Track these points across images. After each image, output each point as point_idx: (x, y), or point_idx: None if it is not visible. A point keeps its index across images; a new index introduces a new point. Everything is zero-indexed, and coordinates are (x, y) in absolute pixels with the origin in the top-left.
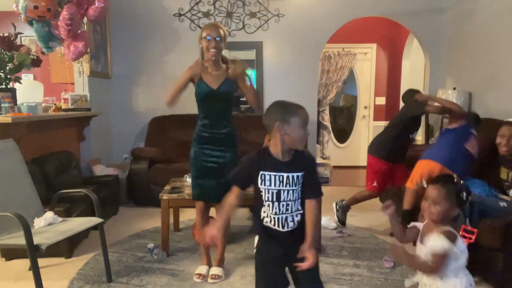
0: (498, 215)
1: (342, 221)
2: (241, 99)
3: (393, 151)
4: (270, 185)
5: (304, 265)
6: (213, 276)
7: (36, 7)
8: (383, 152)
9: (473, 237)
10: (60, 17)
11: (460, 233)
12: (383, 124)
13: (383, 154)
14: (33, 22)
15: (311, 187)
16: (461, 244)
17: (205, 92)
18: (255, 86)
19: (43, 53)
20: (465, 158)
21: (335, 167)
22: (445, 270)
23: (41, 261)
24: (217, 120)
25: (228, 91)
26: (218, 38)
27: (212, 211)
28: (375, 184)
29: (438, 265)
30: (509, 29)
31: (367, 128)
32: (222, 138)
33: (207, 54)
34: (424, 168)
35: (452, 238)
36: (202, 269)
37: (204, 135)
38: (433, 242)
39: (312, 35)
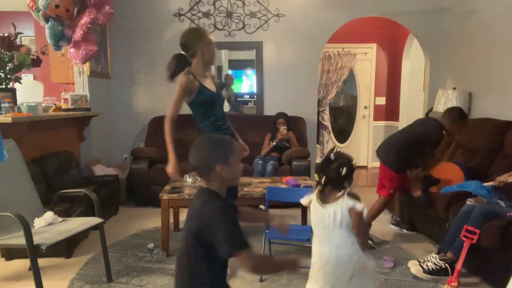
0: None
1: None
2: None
3: (408, 163)
4: None
5: None
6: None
7: (57, 6)
8: (400, 167)
9: (475, 238)
10: (82, 21)
11: (462, 233)
12: (383, 124)
13: (399, 168)
14: (50, 19)
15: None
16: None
17: (213, 98)
18: (254, 87)
19: (43, 53)
20: None
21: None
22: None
23: (41, 261)
24: (224, 119)
25: (222, 94)
26: None
27: None
28: (391, 191)
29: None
30: (509, 29)
31: (367, 128)
32: (231, 134)
33: (210, 59)
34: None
35: None
36: None
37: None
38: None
39: (312, 35)
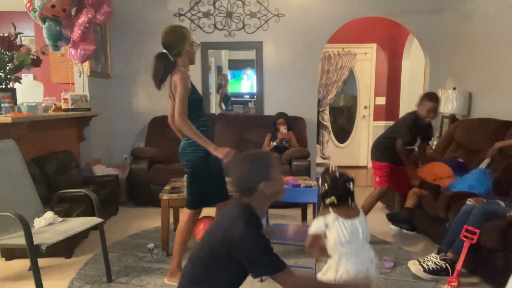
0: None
1: None
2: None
3: (387, 153)
4: None
5: None
6: None
7: (53, 6)
8: (383, 155)
9: (475, 238)
10: (79, 21)
11: (462, 233)
12: (383, 124)
13: (381, 156)
14: (47, 20)
15: None
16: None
17: (200, 97)
18: (254, 87)
19: (43, 53)
20: None
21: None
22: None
23: (41, 261)
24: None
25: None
26: None
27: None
28: (377, 179)
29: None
30: (509, 29)
31: (367, 128)
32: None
33: (192, 60)
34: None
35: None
36: None
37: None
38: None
39: (312, 35)
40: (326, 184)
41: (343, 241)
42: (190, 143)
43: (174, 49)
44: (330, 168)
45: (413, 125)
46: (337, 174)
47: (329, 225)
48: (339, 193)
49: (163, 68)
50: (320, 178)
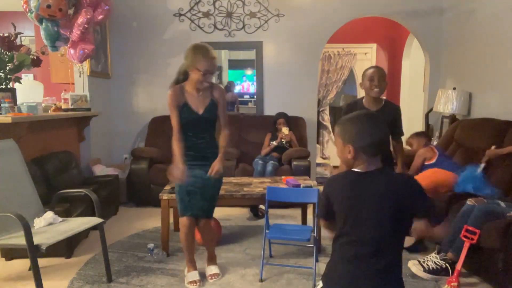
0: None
1: None
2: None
3: None
4: None
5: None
6: (213, 275)
7: (49, 6)
8: None
9: (475, 238)
10: (78, 21)
11: (462, 233)
12: None
13: None
14: (43, 20)
15: None
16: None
17: (190, 118)
18: (255, 87)
19: (43, 53)
20: None
21: (335, 167)
22: None
23: (41, 261)
24: (202, 138)
25: (213, 115)
26: (214, 73)
27: None
28: None
29: None
30: (509, 29)
31: None
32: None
33: (197, 84)
34: None
35: None
36: (194, 275)
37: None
38: None
39: (312, 35)
40: None
41: None
42: (185, 136)
43: (186, 63)
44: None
45: (345, 112)
46: None
47: None
48: None
49: (182, 73)
50: None
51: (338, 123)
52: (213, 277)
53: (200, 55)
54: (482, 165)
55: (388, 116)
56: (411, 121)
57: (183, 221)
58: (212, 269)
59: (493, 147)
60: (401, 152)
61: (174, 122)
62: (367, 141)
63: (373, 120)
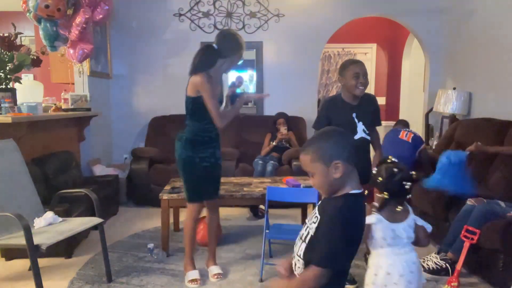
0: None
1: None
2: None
3: None
4: None
5: None
6: (218, 275)
7: (47, 6)
8: None
9: (475, 238)
10: (77, 21)
11: (462, 233)
12: (383, 124)
13: None
14: (42, 20)
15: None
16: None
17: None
18: (254, 88)
19: (43, 53)
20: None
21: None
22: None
23: (41, 261)
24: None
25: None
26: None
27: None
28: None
29: None
30: (509, 29)
31: None
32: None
33: (226, 70)
34: None
35: None
36: (194, 274)
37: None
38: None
39: (312, 35)
40: (380, 177)
41: (384, 244)
42: (178, 137)
43: (222, 52)
44: (390, 159)
45: (327, 108)
46: (395, 170)
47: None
48: (392, 190)
49: (205, 60)
50: (378, 165)
51: (308, 148)
52: (218, 277)
53: (243, 46)
54: (467, 153)
55: (369, 107)
56: (411, 121)
57: (193, 207)
58: (216, 269)
59: (478, 143)
60: (378, 140)
61: (217, 106)
62: (349, 149)
63: (338, 130)
